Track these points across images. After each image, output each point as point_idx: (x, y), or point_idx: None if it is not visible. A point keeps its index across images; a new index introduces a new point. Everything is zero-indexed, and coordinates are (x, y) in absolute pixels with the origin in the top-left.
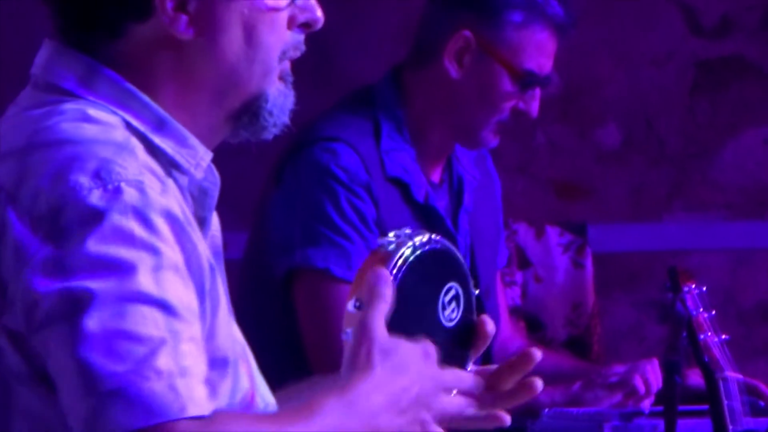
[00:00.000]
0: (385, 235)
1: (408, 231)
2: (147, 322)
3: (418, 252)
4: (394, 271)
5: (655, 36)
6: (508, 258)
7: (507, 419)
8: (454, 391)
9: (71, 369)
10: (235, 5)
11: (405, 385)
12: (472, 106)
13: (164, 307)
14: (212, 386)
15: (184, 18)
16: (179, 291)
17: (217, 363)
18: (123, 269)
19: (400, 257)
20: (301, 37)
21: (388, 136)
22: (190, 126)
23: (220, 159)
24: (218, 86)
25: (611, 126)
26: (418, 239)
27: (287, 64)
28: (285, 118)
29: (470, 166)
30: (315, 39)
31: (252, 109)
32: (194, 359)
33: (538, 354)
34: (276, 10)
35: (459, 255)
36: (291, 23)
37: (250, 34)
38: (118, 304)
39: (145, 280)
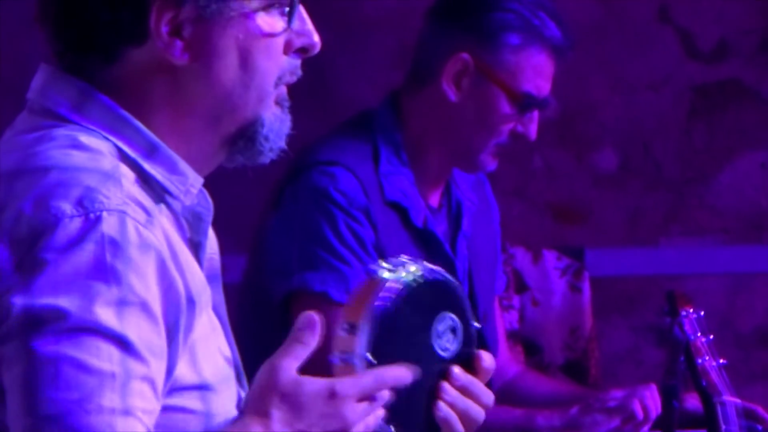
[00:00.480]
0: (383, 260)
1: (403, 259)
2: (101, 354)
3: (412, 280)
4: (384, 298)
5: (651, 60)
6: (506, 282)
7: None
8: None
9: (18, 387)
10: (231, 31)
11: (302, 427)
12: (470, 128)
13: (122, 343)
14: (185, 410)
15: (179, 43)
16: (141, 328)
17: (195, 389)
18: (88, 298)
19: (394, 282)
20: (298, 62)
21: (387, 160)
22: (185, 151)
23: (218, 184)
24: (213, 111)
25: (608, 150)
26: (413, 268)
27: (284, 89)
28: (281, 143)
29: (468, 191)
30: (311, 63)
31: (248, 134)
32: (143, 399)
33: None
34: (272, 35)
35: (459, 287)
36: (287, 48)
37: (245, 59)
38: (76, 332)
39: (107, 314)
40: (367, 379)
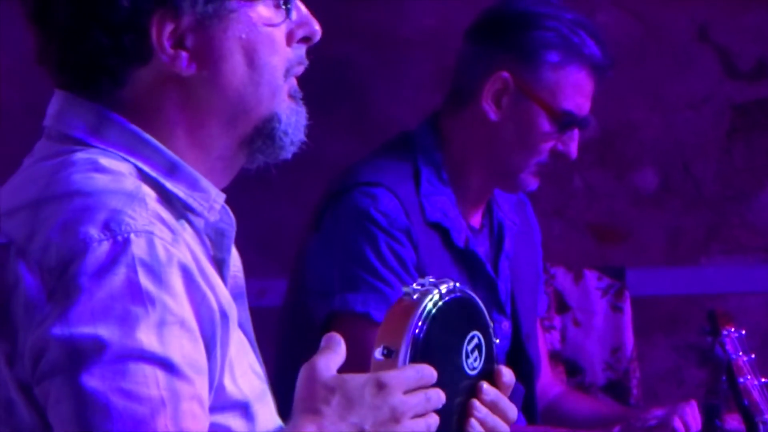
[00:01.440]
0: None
1: (432, 279)
2: (148, 381)
3: (443, 301)
4: (420, 322)
5: (691, 79)
6: (547, 303)
7: None
8: (431, 413)
9: (69, 423)
10: (232, 32)
11: (354, 421)
12: (510, 147)
13: (166, 365)
14: (229, 431)
15: (184, 55)
16: (184, 347)
17: (236, 405)
18: (127, 324)
19: (426, 305)
20: (302, 50)
21: (428, 180)
22: (205, 160)
23: (258, 208)
24: (228, 115)
25: (648, 169)
26: (443, 287)
27: (294, 81)
28: (301, 135)
29: (510, 212)
30: (351, 85)
31: (265, 131)
32: (194, 419)
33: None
34: (272, 26)
35: (481, 304)
36: (290, 39)
37: (251, 57)
38: (120, 361)
39: (148, 337)
40: (409, 371)
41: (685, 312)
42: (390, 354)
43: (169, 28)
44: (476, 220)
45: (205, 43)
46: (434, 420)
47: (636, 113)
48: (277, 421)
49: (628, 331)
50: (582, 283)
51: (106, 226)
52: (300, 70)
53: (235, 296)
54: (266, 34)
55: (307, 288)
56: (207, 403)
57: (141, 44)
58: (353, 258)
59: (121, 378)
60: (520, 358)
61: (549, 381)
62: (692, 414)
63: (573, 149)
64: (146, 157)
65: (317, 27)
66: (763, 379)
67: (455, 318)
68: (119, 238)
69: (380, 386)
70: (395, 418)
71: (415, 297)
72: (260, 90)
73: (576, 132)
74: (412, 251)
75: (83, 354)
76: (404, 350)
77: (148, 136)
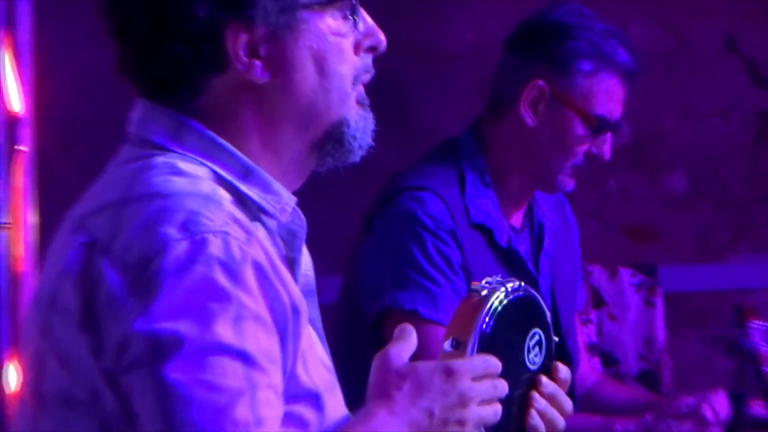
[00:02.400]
0: (472, 279)
1: (499, 278)
2: (226, 372)
3: (509, 298)
4: (487, 318)
5: (719, 88)
6: (584, 298)
7: None
8: (495, 401)
9: (154, 413)
10: (303, 41)
11: (424, 406)
12: (548, 151)
13: (243, 357)
14: (302, 421)
15: (258, 63)
16: (259, 339)
17: (309, 395)
18: (206, 319)
19: (493, 302)
20: (369, 59)
21: (472, 184)
22: (278, 163)
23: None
24: (300, 120)
25: (678, 173)
26: (509, 285)
27: (362, 89)
28: (369, 140)
29: (550, 212)
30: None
31: (335, 135)
32: (270, 407)
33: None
34: (340, 36)
35: (543, 303)
36: (357, 49)
37: (321, 65)
38: (200, 354)
39: (225, 331)
40: (477, 360)
41: (713, 306)
42: (458, 346)
43: (244, 38)
44: (517, 220)
45: (277, 53)
46: (499, 407)
47: (667, 120)
48: (345, 412)
49: (659, 325)
50: (617, 280)
51: (185, 227)
52: (367, 78)
53: (306, 293)
54: (335, 43)
55: (359, 287)
56: (281, 391)
57: (217, 54)
58: (402, 258)
59: (202, 370)
60: (559, 350)
61: (586, 371)
62: (721, 403)
63: (606, 151)
64: (222, 162)
65: (382, 37)
66: None
67: (519, 315)
68: (197, 238)
69: (449, 373)
70: (463, 402)
71: (483, 294)
72: (330, 96)
73: (609, 135)
74: (457, 251)
75: (165, 348)
76: (472, 343)
77: (223, 141)
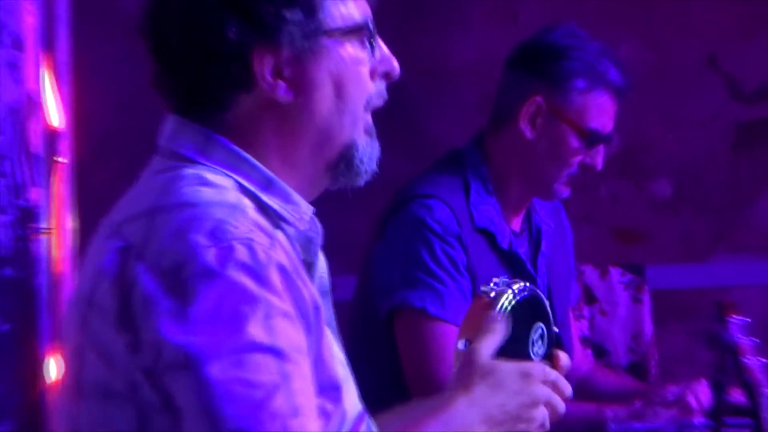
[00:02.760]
0: (477, 279)
1: (505, 279)
2: (261, 368)
3: (516, 298)
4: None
5: (701, 101)
6: (578, 295)
7: None
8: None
9: (197, 410)
10: (325, 66)
11: (500, 401)
12: (545, 161)
13: (275, 352)
14: (325, 412)
15: (282, 84)
16: (289, 334)
17: (330, 388)
18: (238, 321)
19: (502, 302)
20: (383, 86)
21: (476, 192)
22: (294, 179)
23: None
24: (317, 140)
25: (664, 180)
26: (516, 287)
27: (370, 119)
28: (374, 166)
29: (547, 217)
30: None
31: (347, 157)
32: (305, 396)
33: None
34: (359, 63)
35: (545, 299)
36: (373, 75)
37: (339, 88)
38: (236, 353)
39: (257, 331)
40: (550, 368)
41: (696, 303)
42: (470, 345)
43: (270, 59)
44: (517, 224)
45: (300, 74)
46: (562, 408)
47: (653, 131)
48: (359, 404)
49: (647, 320)
50: (607, 279)
51: (213, 234)
52: (379, 103)
53: (322, 294)
54: (353, 69)
55: (372, 287)
56: (311, 380)
57: (245, 73)
58: (412, 260)
59: (238, 368)
60: (555, 343)
61: (580, 361)
62: (703, 391)
63: (599, 162)
64: (246, 174)
65: (396, 65)
66: (763, 360)
67: (525, 313)
68: (224, 245)
69: (525, 375)
70: (534, 403)
71: (492, 296)
72: (344, 118)
73: (601, 147)
74: (462, 254)
75: (202, 350)
76: None
77: (247, 155)
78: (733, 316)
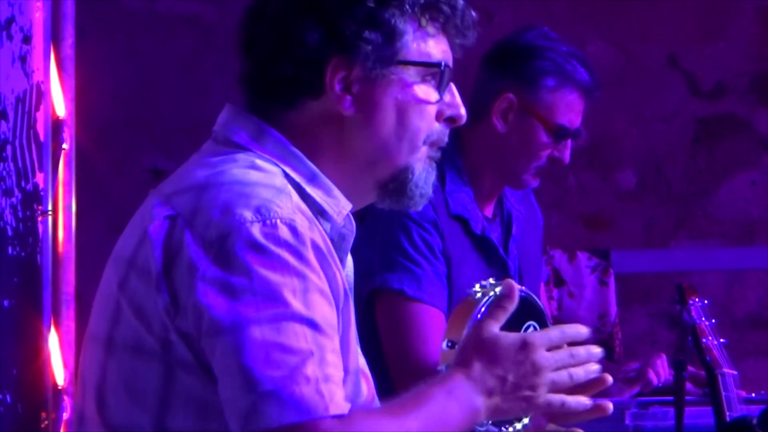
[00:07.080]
0: (452, 262)
1: (492, 281)
2: (298, 337)
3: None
4: (479, 316)
5: (663, 98)
6: (547, 278)
7: (609, 407)
8: (566, 370)
9: (235, 370)
10: (391, 91)
11: (498, 373)
12: (515, 154)
13: (312, 324)
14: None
15: (348, 98)
16: (324, 310)
17: (350, 372)
18: (279, 292)
19: (486, 302)
20: (447, 130)
21: (451, 180)
22: (342, 185)
23: None
24: (371, 157)
25: (628, 171)
26: (498, 289)
27: (437, 152)
28: (429, 191)
29: (517, 202)
30: None
31: (399, 179)
32: (335, 368)
33: (609, 379)
34: (426, 100)
35: (536, 299)
36: (439, 116)
37: (401, 116)
38: (275, 321)
39: (296, 302)
40: (553, 332)
41: (658, 286)
42: (453, 346)
43: (342, 73)
44: (489, 211)
45: (367, 93)
46: (576, 372)
47: (618, 125)
48: (366, 391)
49: (612, 301)
50: (575, 263)
51: (258, 211)
52: (438, 144)
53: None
54: (418, 104)
55: (353, 271)
56: (340, 355)
57: (316, 80)
58: (391, 245)
59: (277, 334)
60: None
61: None
62: (662, 365)
63: (566, 156)
64: (293, 165)
65: (463, 112)
66: (721, 340)
67: (515, 311)
68: (268, 222)
69: (524, 345)
70: (536, 371)
71: (477, 296)
72: (402, 144)
73: (569, 142)
74: (438, 239)
75: (243, 316)
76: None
77: (296, 150)
78: (693, 298)
